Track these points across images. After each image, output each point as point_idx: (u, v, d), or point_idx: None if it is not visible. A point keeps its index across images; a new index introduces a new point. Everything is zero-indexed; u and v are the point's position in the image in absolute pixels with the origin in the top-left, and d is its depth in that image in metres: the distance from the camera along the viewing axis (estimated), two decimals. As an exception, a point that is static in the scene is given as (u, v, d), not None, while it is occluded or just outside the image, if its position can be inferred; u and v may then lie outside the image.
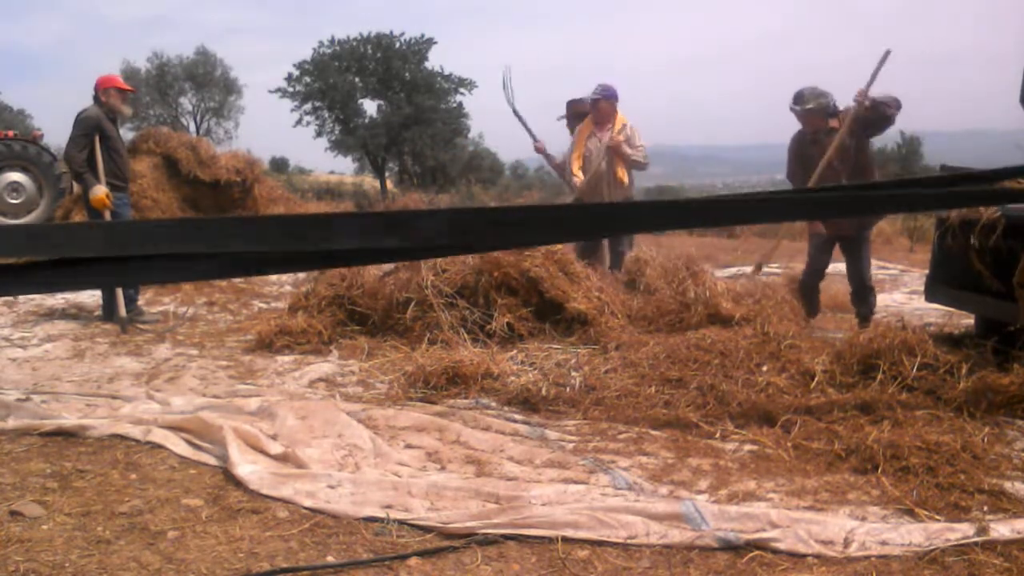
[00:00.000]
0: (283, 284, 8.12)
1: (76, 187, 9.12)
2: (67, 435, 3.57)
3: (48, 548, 2.54)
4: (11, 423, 3.69)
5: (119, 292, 5.97)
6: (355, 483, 3.00)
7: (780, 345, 4.25)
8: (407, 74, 31.64)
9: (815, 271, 5.70)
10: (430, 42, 32.00)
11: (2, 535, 2.61)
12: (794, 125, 5.61)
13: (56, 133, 27.48)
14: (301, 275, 6.86)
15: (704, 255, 11.10)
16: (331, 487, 2.98)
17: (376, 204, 21.17)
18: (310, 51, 35.30)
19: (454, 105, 32.40)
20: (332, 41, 31.71)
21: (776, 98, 5.65)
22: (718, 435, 3.54)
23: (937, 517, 2.70)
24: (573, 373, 4.26)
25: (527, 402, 4.01)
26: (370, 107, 32.65)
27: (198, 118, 35.45)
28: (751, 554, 2.48)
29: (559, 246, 5.38)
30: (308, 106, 31.68)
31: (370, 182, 35.30)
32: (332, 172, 41.72)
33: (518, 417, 3.84)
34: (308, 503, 2.88)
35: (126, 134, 9.89)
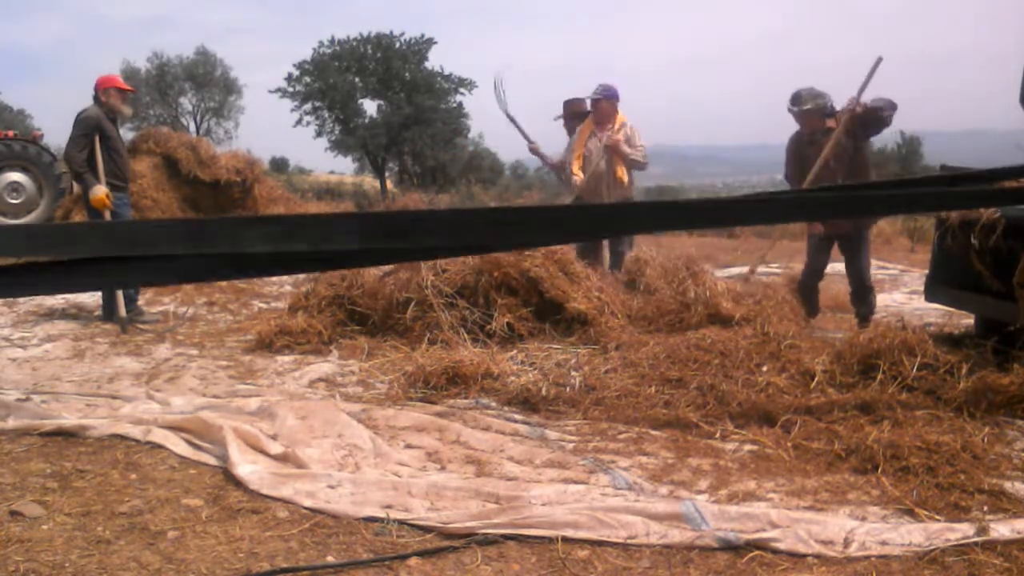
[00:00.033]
0: (283, 284, 8.11)
1: (76, 187, 9.13)
2: (67, 435, 3.57)
3: (48, 548, 2.55)
4: (11, 423, 3.69)
5: (119, 292, 5.97)
6: (355, 483, 3.00)
7: (780, 345, 4.25)
8: (407, 74, 31.64)
9: (814, 271, 5.70)
10: (430, 42, 32.01)
11: (2, 535, 2.61)
12: (793, 125, 5.61)
13: (56, 133, 27.50)
14: (301, 275, 6.85)
15: (704, 255, 11.10)
16: (331, 487, 2.98)
17: (376, 204, 21.16)
18: (310, 51, 35.32)
19: (454, 105, 32.40)
20: (332, 41, 31.72)
21: (776, 98, 5.68)
22: (718, 435, 3.54)
23: (937, 517, 2.70)
24: (573, 373, 4.26)
25: (527, 402, 4.01)
26: (370, 107, 32.68)
27: (198, 118, 35.47)
28: (751, 554, 2.48)
29: (559, 246, 5.38)
30: (308, 106, 31.68)
31: (370, 182, 35.29)
32: (332, 172, 41.74)
33: (518, 417, 3.84)
34: (308, 503, 2.88)
35: (126, 134, 9.90)
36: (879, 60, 5.34)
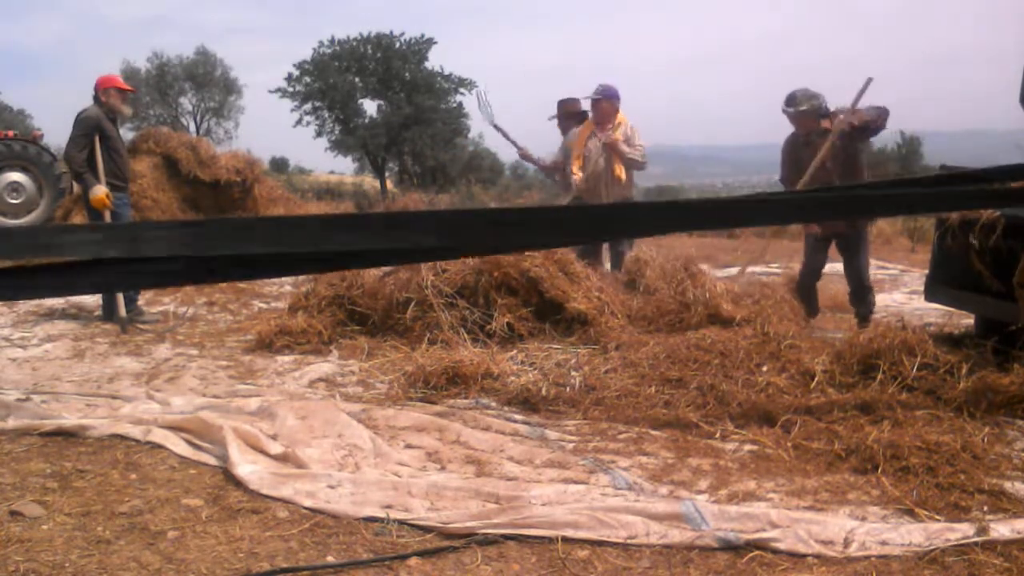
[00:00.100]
0: (283, 284, 8.11)
1: (76, 187, 9.13)
2: (67, 435, 3.57)
3: (48, 548, 2.55)
4: (11, 423, 3.69)
5: (119, 292, 5.97)
6: (355, 483, 3.00)
7: (780, 345, 4.25)
8: (407, 74, 31.64)
9: (812, 271, 5.71)
10: (430, 42, 32.02)
11: (2, 535, 2.61)
12: (790, 127, 5.62)
13: (56, 133, 27.50)
14: (301, 275, 6.85)
15: (704, 255, 11.10)
16: (331, 487, 2.98)
17: (376, 204, 21.16)
18: (310, 51, 35.33)
19: (454, 105, 32.41)
20: (332, 41, 31.73)
21: (776, 98, 5.67)
22: (718, 435, 3.54)
23: (937, 517, 2.70)
24: (573, 373, 4.26)
25: (527, 402, 4.01)
26: (370, 107, 32.68)
27: (198, 118, 35.47)
28: (751, 554, 2.48)
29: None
30: (308, 106, 31.69)
31: (370, 182, 35.30)
32: (332, 172, 41.74)
33: (518, 417, 3.84)
34: (308, 503, 2.88)
35: (126, 134, 9.90)
36: (869, 80, 5.36)
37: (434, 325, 5.06)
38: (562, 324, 5.09)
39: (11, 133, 13.27)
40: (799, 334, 4.45)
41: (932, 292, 4.80)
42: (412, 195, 15.10)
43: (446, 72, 31.87)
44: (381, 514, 2.77)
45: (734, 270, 8.41)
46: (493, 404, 4.03)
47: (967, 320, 4.93)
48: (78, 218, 9.71)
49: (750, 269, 7.47)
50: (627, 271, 5.89)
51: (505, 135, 7.21)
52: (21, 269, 1.51)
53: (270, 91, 31.79)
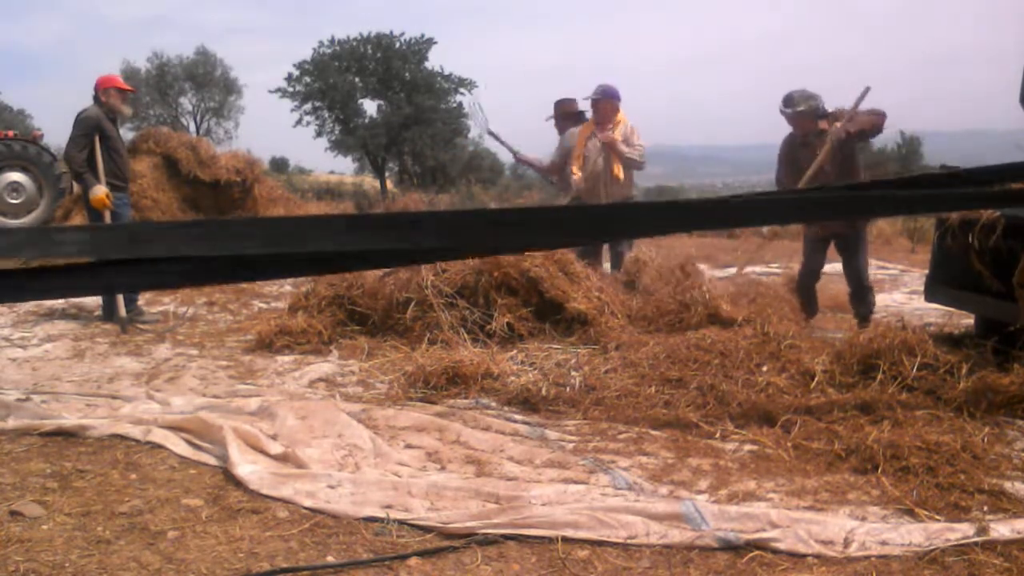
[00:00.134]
0: (283, 284, 8.10)
1: (76, 187, 9.14)
2: (67, 435, 3.57)
3: (48, 548, 2.55)
4: (11, 423, 3.69)
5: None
6: (355, 483, 3.01)
7: (780, 345, 4.25)
8: (407, 74, 31.63)
9: (810, 271, 5.71)
10: (430, 42, 32.00)
11: (2, 535, 2.61)
12: (787, 127, 5.62)
13: (56, 133, 27.50)
14: (301, 276, 6.85)
15: (704, 255, 11.10)
16: (331, 487, 2.98)
17: (376, 204, 21.17)
18: (310, 51, 35.32)
19: (454, 105, 32.38)
20: (332, 41, 31.70)
21: (776, 98, 5.68)
22: (718, 435, 3.54)
23: (937, 517, 2.70)
24: (573, 373, 4.26)
25: (527, 402, 4.01)
26: (370, 107, 32.67)
27: (198, 118, 35.47)
28: (751, 554, 2.48)
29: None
30: (308, 106, 31.68)
31: (370, 182, 35.29)
32: (332, 172, 41.73)
33: (518, 417, 3.84)
34: (308, 503, 2.88)
35: (126, 134, 9.91)
36: (867, 89, 5.37)
37: (434, 325, 5.06)
38: (562, 324, 5.09)
39: (11, 133, 13.27)
40: (799, 334, 4.45)
41: (932, 292, 4.80)
42: (412, 195, 15.12)
43: (446, 72, 31.89)
44: (381, 514, 2.77)
45: (734, 270, 8.42)
46: (493, 404, 4.03)
47: (967, 320, 4.94)
48: (78, 218, 9.71)
49: (750, 269, 7.47)
50: (626, 271, 5.89)
51: (501, 141, 7.24)
52: (21, 271, 1.51)
53: (270, 91, 31.80)
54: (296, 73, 31.45)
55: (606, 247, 6.77)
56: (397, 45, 31.62)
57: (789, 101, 5.44)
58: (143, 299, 6.70)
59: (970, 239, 4.16)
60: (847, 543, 2.51)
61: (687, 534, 2.58)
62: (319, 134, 32.09)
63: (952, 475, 2.97)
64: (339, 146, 32.18)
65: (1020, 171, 2.32)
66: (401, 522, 2.72)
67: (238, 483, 3.04)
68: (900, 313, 5.93)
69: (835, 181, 5.21)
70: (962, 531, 2.56)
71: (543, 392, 4.05)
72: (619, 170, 6.32)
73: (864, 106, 5.31)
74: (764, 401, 3.80)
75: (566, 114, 7.06)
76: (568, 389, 4.09)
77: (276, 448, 3.32)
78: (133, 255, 1.46)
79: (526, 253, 5.19)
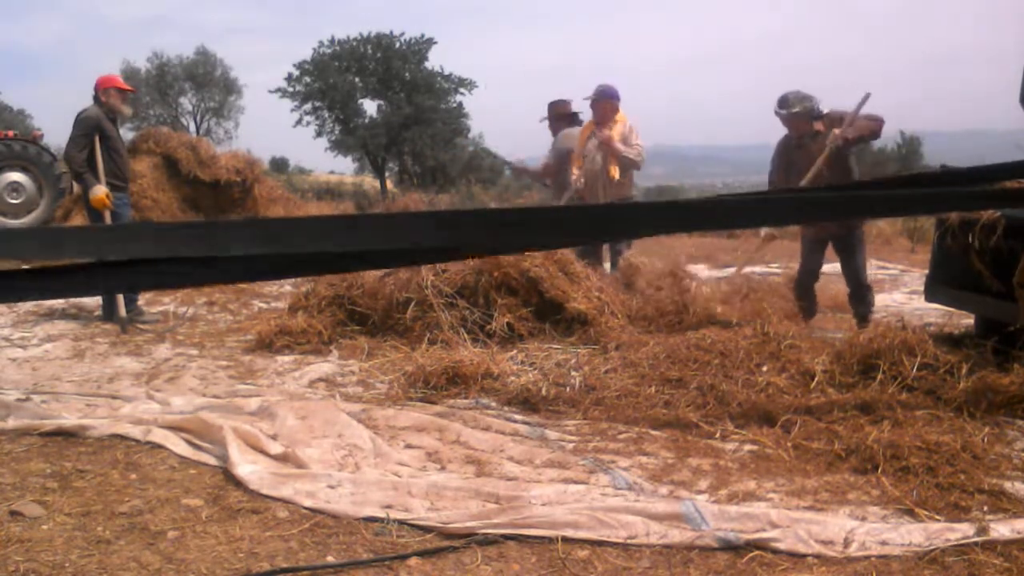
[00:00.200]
0: (283, 284, 8.10)
1: (76, 187, 9.13)
2: (67, 435, 3.57)
3: (48, 548, 2.55)
4: (11, 423, 3.69)
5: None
6: (355, 483, 3.01)
7: (780, 345, 4.25)
8: (407, 74, 31.64)
9: (808, 271, 5.72)
10: (430, 42, 32.02)
11: (2, 535, 2.61)
12: (782, 129, 5.63)
13: (56, 133, 27.52)
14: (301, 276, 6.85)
15: (704, 255, 11.11)
16: (331, 487, 2.98)
17: (376, 204, 21.16)
18: (310, 51, 35.35)
19: (454, 105, 32.41)
20: (332, 41, 31.74)
21: (776, 98, 5.66)
22: (718, 435, 3.54)
23: (937, 517, 2.70)
24: (573, 373, 4.27)
25: (527, 402, 4.01)
26: (370, 107, 32.69)
27: (198, 118, 35.49)
28: (751, 554, 2.48)
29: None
30: (308, 106, 31.71)
31: (370, 182, 35.29)
32: (332, 172, 41.75)
33: (518, 417, 3.84)
34: (308, 503, 2.88)
35: (126, 134, 9.90)
36: (867, 96, 5.37)
37: (434, 325, 5.06)
38: (562, 324, 5.09)
39: (11, 133, 13.27)
40: (799, 334, 4.46)
41: (932, 292, 4.80)
42: (412, 195, 15.11)
43: (446, 72, 31.90)
44: (381, 514, 2.77)
45: (733, 270, 8.43)
46: (493, 404, 4.03)
47: (967, 320, 4.93)
48: (78, 218, 9.71)
49: (750, 269, 7.47)
50: (621, 272, 5.90)
51: (494, 154, 7.30)
52: (22, 271, 1.51)
53: (270, 91, 31.84)
54: (296, 73, 31.50)
55: (606, 247, 6.77)
56: (397, 45, 31.64)
57: (784, 102, 5.44)
58: (143, 299, 6.70)
59: (970, 239, 4.16)
60: (847, 543, 2.51)
61: (687, 534, 2.58)
62: (319, 134, 32.14)
63: (952, 475, 2.97)
64: (339, 146, 32.20)
65: (1020, 170, 2.32)
66: (401, 522, 2.72)
67: (238, 483, 3.04)
68: (900, 313, 5.93)
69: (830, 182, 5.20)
70: (962, 531, 2.56)
71: (543, 392, 4.05)
72: (615, 171, 6.32)
73: (864, 111, 5.32)
74: (764, 401, 3.79)
75: (560, 115, 7.07)
76: (568, 389, 4.09)
77: (276, 448, 3.32)
78: (133, 255, 1.46)
79: (526, 253, 5.20)
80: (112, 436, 3.54)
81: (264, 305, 7.16)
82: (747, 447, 3.40)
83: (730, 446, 3.42)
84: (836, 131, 5.25)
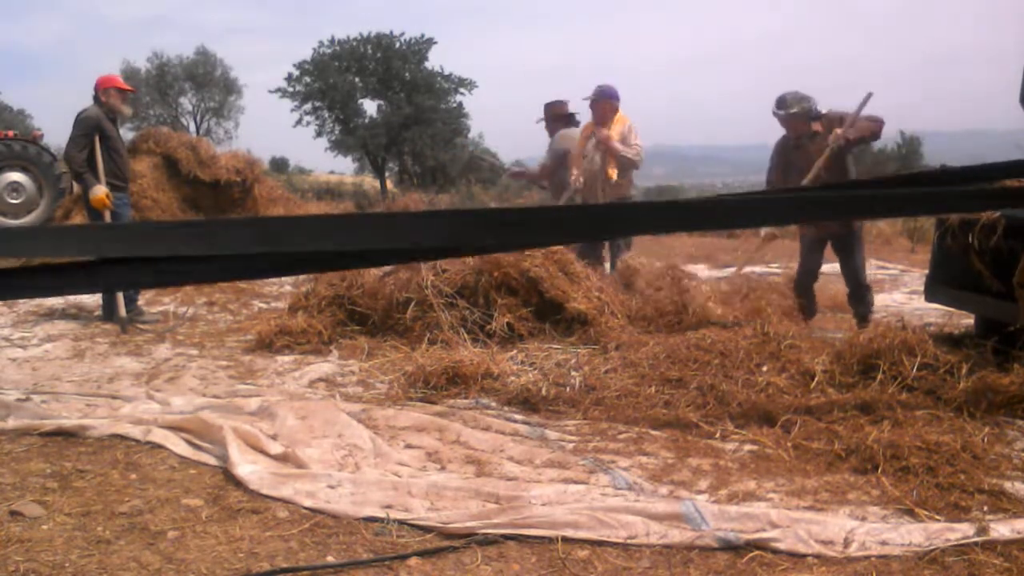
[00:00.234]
0: (283, 284, 8.11)
1: (76, 187, 9.13)
2: (67, 435, 3.57)
3: (48, 548, 2.55)
4: (11, 423, 3.69)
5: (119, 292, 5.97)
6: (355, 483, 3.00)
7: (780, 345, 4.25)
8: (407, 74, 31.62)
9: (807, 271, 5.73)
10: (430, 42, 31.99)
11: (2, 535, 2.61)
12: (780, 129, 5.63)
13: (56, 133, 27.54)
14: (301, 275, 6.86)
15: (704, 255, 11.12)
16: (331, 487, 2.98)
17: (376, 204, 21.16)
18: (310, 51, 35.33)
19: (454, 105, 32.38)
20: (332, 41, 31.69)
21: (775, 98, 5.66)
22: (718, 435, 3.54)
23: (937, 517, 2.70)
24: (573, 373, 4.27)
25: (527, 402, 4.01)
26: (370, 107, 32.66)
27: (198, 118, 35.48)
28: (751, 554, 2.48)
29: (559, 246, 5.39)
30: (308, 106, 31.67)
31: (370, 182, 35.29)
32: (332, 172, 41.74)
33: (518, 417, 3.84)
34: (308, 503, 2.88)
35: (126, 134, 9.90)
36: (869, 95, 5.38)
37: (434, 325, 5.06)
38: (562, 324, 5.09)
39: (11, 133, 13.27)
40: (799, 334, 4.46)
41: (932, 292, 4.81)
42: (412, 195, 15.10)
43: (446, 72, 31.88)
44: (381, 514, 2.77)
45: (734, 270, 8.43)
46: (493, 404, 4.03)
47: (967, 320, 4.94)
48: (78, 218, 9.70)
49: (750, 269, 7.47)
50: (620, 273, 5.90)
51: (490, 162, 7.33)
52: (21, 269, 1.51)
53: (270, 91, 31.80)
54: (296, 73, 31.46)
55: (607, 247, 6.77)
56: (397, 45, 31.61)
57: (782, 103, 5.45)
58: (143, 299, 6.71)
59: (970, 239, 4.16)
60: (847, 543, 2.51)
61: (687, 534, 2.58)
62: (319, 134, 32.11)
63: (952, 475, 2.97)
64: (339, 146, 32.18)
65: (1019, 169, 2.32)
66: (401, 522, 2.72)
67: (238, 483, 3.04)
68: (900, 313, 5.93)
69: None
70: (962, 531, 2.56)
71: (543, 392, 4.05)
72: (613, 171, 6.32)
73: (865, 111, 5.33)
74: (764, 401, 3.80)
75: (556, 116, 7.08)
76: (568, 389, 4.09)
77: (276, 448, 3.32)
78: (132, 254, 1.46)
79: (527, 252, 5.20)
80: (112, 436, 3.55)
81: (264, 305, 7.16)
82: (747, 447, 3.40)
83: (730, 446, 3.42)
84: (837, 131, 5.25)
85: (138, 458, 3.34)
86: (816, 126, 5.42)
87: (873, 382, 3.82)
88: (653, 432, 3.58)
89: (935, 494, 2.85)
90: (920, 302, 6.18)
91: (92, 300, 6.68)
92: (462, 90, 32.17)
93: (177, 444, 3.45)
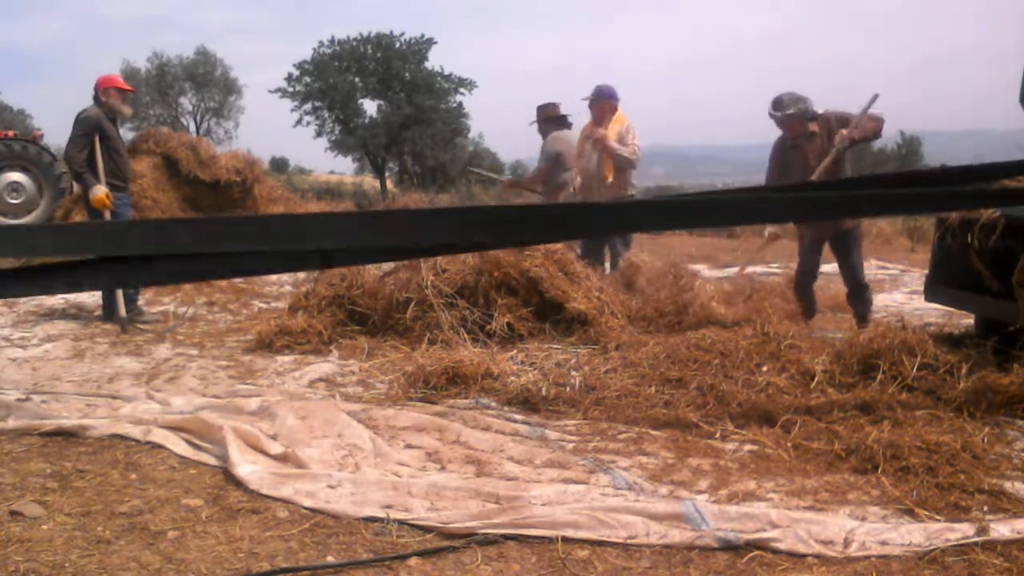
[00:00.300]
0: (283, 284, 8.12)
1: (76, 187, 9.12)
2: (67, 435, 3.57)
3: (48, 548, 2.55)
4: (11, 423, 3.69)
5: (119, 292, 5.97)
6: (355, 483, 3.00)
7: (780, 345, 4.25)
8: (407, 74, 31.62)
9: (806, 272, 5.74)
10: (430, 42, 32.00)
11: (2, 535, 2.61)
12: (776, 130, 5.64)
13: (56, 133, 27.55)
14: (301, 275, 6.87)
15: (704, 255, 11.12)
16: (331, 487, 2.98)
17: (376, 204, 21.15)
18: (310, 51, 35.34)
19: (454, 105, 32.39)
20: (332, 41, 31.70)
21: (772, 99, 5.66)
22: (718, 435, 3.53)
23: (937, 517, 2.70)
24: (573, 373, 4.26)
25: (527, 402, 4.01)
26: (370, 107, 32.67)
27: (198, 118, 35.50)
28: (751, 554, 2.48)
29: (559, 246, 5.40)
30: (308, 106, 31.68)
31: (370, 182, 35.30)
32: (332, 172, 41.78)
33: (518, 417, 3.84)
34: (308, 503, 2.88)
35: (126, 134, 9.89)
36: (875, 96, 5.40)
37: (434, 325, 5.06)
38: (562, 324, 5.09)
39: (11, 133, 13.27)
40: (799, 334, 4.46)
41: (932, 292, 4.81)
42: (412, 195, 15.11)
43: (446, 72, 31.89)
44: (381, 514, 2.76)
45: (734, 270, 8.43)
46: (493, 404, 4.03)
47: (967, 320, 4.94)
48: (78, 218, 9.69)
49: (751, 269, 7.48)
50: (621, 273, 5.90)
51: (485, 174, 7.36)
52: (22, 269, 1.51)
53: (270, 91, 31.81)
54: (296, 73, 31.47)
55: (607, 248, 6.78)
56: (397, 45, 31.62)
57: (778, 104, 5.47)
58: (143, 299, 6.71)
59: (970, 239, 4.16)
60: (847, 543, 2.51)
61: (687, 534, 2.58)
62: (319, 134, 32.12)
63: (952, 475, 2.97)
64: (339, 146, 32.19)
65: (1018, 169, 2.32)
66: (401, 522, 2.72)
67: (238, 483, 3.04)
68: (900, 313, 5.94)
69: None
70: (962, 531, 2.56)
71: (543, 392, 4.05)
72: (608, 171, 6.31)
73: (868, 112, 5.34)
74: (764, 401, 3.80)
75: (548, 118, 7.08)
76: (568, 389, 4.09)
77: (276, 448, 3.32)
78: (132, 253, 1.46)
79: (526, 252, 5.20)
80: (112, 436, 3.54)
81: (264, 305, 7.16)
82: (747, 447, 3.40)
83: (730, 446, 3.42)
84: (843, 132, 5.26)
85: (138, 458, 3.34)
86: (812, 126, 5.44)
87: (873, 382, 3.82)
88: (653, 432, 3.58)
89: (935, 494, 2.85)
90: (920, 302, 6.18)
91: (92, 300, 6.68)
92: (462, 90, 32.21)
93: (177, 444, 3.45)
